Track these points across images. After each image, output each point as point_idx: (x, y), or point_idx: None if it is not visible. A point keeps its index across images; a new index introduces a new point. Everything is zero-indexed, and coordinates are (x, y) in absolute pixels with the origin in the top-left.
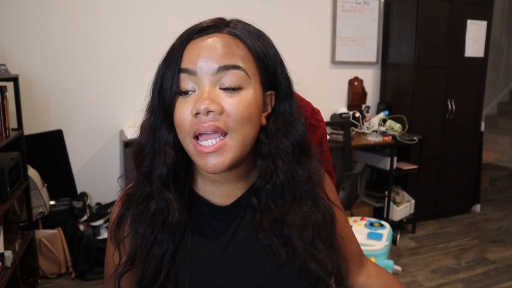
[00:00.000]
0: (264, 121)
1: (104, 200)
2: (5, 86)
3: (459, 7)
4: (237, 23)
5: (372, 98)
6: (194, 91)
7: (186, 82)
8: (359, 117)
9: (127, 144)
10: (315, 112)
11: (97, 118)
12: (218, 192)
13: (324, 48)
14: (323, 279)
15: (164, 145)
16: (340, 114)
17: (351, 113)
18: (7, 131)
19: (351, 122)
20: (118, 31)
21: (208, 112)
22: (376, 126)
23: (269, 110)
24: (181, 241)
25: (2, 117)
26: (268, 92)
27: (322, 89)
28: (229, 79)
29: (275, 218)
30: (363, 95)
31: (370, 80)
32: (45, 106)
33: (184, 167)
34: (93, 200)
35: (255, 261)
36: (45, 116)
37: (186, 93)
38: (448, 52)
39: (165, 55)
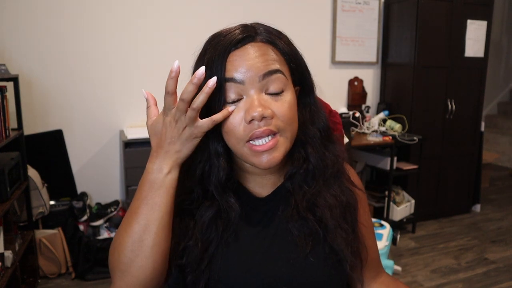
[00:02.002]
0: None
1: (104, 200)
2: (5, 86)
3: (459, 7)
4: (259, 26)
5: (372, 98)
6: (241, 98)
7: (232, 91)
8: (359, 117)
9: (127, 144)
10: (332, 115)
11: (97, 118)
12: (254, 183)
13: (324, 48)
14: (347, 261)
15: (215, 153)
16: (340, 114)
17: (351, 113)
18: (7, 131)
19: (351, 122)
20: (118, 32)
21: (262, 118)
22: (376, 126)
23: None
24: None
25: (2, 117)
26: (296, 88)
27: (322, 89)
28: (274, 84)
29: (308, 200)
30: (363, 95)
31: (370, 80)
32: (45, 106)
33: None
34: (93, 200)
35: (283, 250)
36: (45, 116)
37: (233, 102)
38: (448, 52)
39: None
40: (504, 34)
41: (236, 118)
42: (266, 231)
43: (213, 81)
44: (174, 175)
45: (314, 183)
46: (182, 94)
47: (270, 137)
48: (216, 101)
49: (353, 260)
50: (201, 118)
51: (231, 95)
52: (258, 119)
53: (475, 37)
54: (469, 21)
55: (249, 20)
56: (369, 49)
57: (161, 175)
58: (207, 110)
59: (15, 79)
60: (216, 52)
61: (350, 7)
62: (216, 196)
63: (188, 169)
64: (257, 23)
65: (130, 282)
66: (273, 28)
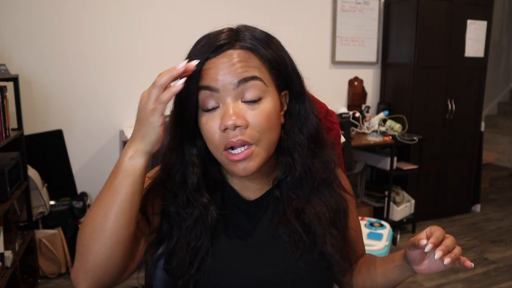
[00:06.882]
0: (282, 120)
1: None
2: (5, 86)
3: (459, 7)
4: (245, 31)
5: (372, 98)
6: (218, 106)
7: (208, 99)
8: (359, 117)
9: None
10: (329, 114)
11: (97, 118)
12: (243, 186)
13: (324, 48)
14: (337, 266)
15: (190, 158)
16: (340, 114)
17: (351, 113)
18: (7, 131)
19: (351, 122)
20: (118, 31)
21: (235, 127)
22: (376, 126)
23: (285, 107)
24: (213, 233)
25: (2, 117)
26: (283, 92)
27: (322, 89)
28: (250, 91)
29: (297, 208)
30: (363, 95)
31: (370, 80)
32: (45, 106)
33: (214, 168)
34: (93, 200)
35: (272, 254)
36: (45, 116)
37: (211, 109)
38: (448, 52)
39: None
40: (504, 34)
41: (213, 126)
42: (255, 233)
43: (181, 81)
44: (136, 161)
45: (301, 193)
46: (157, 80)
47: (245, 147)
48: (190, 109)
49: (343, 265)
50: (178, 127)
51: (208, 103)
52: (232, 128)
53: (475, 37)
54: (469, 21)
55: (249, 21)
56: (369, 49)
57: (125, 159)
58: (181, 117)
59: (15, 79)
60: (197, 58)
61: (350, 7)
62: (192, 201)
63: (169, 174)
64: (244, 27)
65: (86, 266)
66: (260, 32)
